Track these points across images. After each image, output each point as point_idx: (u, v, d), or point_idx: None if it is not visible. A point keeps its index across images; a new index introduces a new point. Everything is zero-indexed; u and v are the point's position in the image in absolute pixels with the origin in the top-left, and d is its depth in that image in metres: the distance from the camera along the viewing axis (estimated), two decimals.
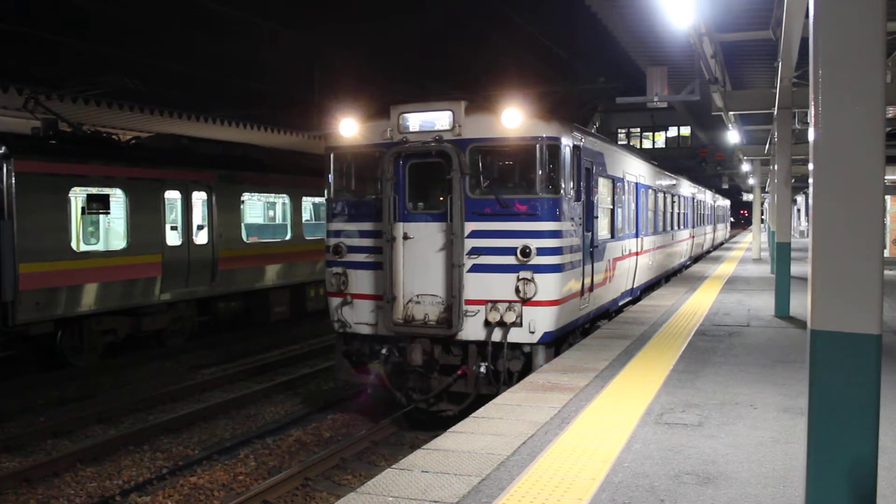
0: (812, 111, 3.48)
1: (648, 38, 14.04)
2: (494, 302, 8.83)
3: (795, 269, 14.66)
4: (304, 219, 18.58)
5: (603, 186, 11.43)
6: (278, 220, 18.69)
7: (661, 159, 22.75)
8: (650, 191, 15.96)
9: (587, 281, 10.19)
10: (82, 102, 16.13)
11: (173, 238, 14.86)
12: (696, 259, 27.78)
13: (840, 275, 3.41)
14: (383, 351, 9.40)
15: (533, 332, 8.77)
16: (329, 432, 10.16)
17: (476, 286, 8.89)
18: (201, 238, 15.65)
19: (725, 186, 56.20)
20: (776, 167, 19.49)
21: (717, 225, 39.80)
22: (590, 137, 10.75)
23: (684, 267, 23.87)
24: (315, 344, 16.21)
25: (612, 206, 11.97)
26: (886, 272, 18.43)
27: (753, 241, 32.07)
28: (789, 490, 4.71)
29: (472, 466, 5.16)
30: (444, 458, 5.37)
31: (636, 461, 5.26)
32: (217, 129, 19.76)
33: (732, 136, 23.11)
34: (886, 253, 26.77)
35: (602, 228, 11.26)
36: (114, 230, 14.87)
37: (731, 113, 18.09)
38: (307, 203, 18.91)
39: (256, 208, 18.33)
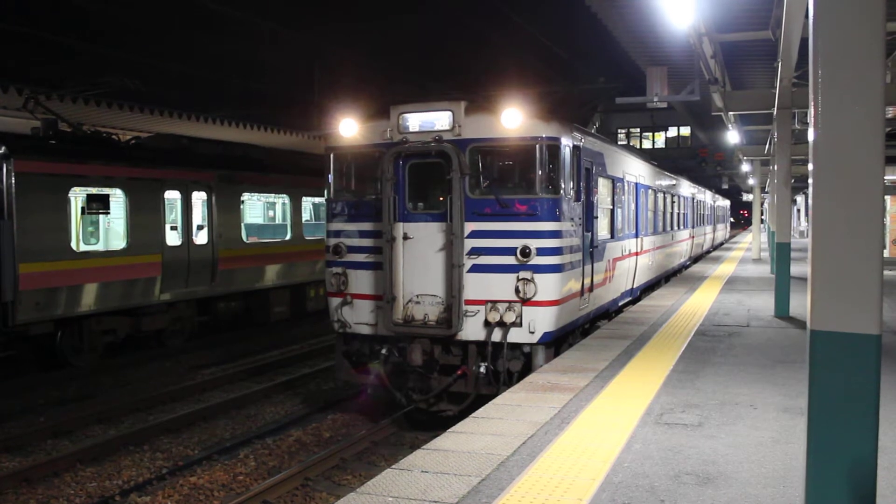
0: (812, 111, 3.48)
1: (648, 39, 14.03)
2: (494, 302, 8.83)
3: (795, 269, 14.67)
4: (303, 219, 18.58)
5: (603, 186, 11.43)
6: (278, 221, 18.68)
7: (660, 159, 22.77)
8: (650, 191, 15.96)
9: (587, 281, 10.19)
10: (82, 102, 16.13)
11: (173, 238, 14.86)
12: (695, 259, 27.78)
13: (840, 275, 3.41)
14: (383, 351, 9.40)
15: (533, 333, 8.77)
16: (329, 432, 10.16)
17: (476, 286, 8.89)
18: (201, 238, 15.64)
19: (725, 186, 56.20)
20: (776, 167, 19.49)
21: (716, 225, 39.81)
22: (589, 137, 10.74)
23: (684, 267, 23.87)
24: (315, 344, 16.20)
25: (611, 207, 11.97)
26: (886, 272, 18.42)
27: (753, 241, 32.06)
28: (789, 490, 4.71)
29: (472, 466, 5.16)
30: (444, 458, 5.37)
31: (636, 461, 5.26)
32: (217, 129, 19.76)
33: (732, 137, 23.10)
34: (886, 253, 26.76)
35: (602, 228, 11.26)
36: (114, 230, 14.86)
37: (731, 113, 18.09)
38: (307, 203, 18.91)
39: (256, 208, 18.32)
